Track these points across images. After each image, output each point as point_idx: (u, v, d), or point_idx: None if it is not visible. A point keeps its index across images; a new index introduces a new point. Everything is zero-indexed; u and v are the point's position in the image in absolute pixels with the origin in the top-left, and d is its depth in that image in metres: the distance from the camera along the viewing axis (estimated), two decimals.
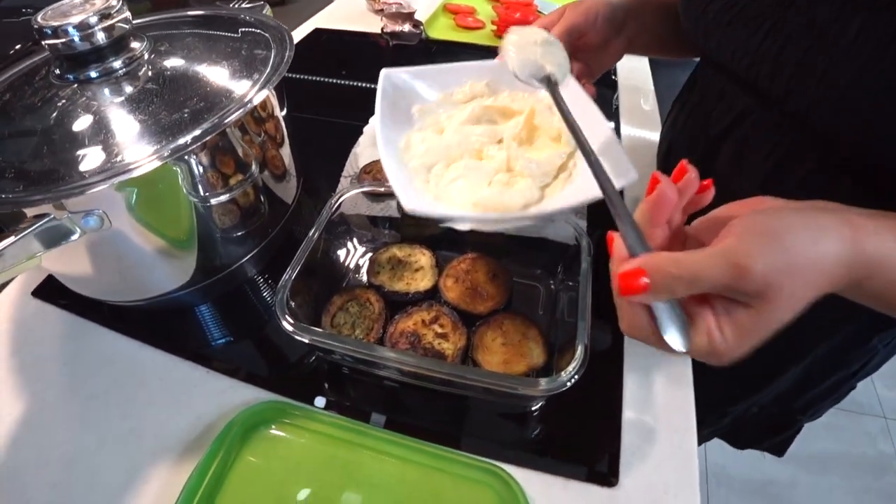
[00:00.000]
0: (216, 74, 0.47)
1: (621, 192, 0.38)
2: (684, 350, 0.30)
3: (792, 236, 0.29)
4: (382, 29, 1.00)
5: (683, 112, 0.64)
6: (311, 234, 0.50)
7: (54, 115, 0.43)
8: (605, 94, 0.88)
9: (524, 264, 0.57)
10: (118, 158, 0.40)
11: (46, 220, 0.39)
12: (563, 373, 0.40)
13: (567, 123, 0.41)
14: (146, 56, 0.47)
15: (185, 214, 0.46)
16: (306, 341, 0.43)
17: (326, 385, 0.50)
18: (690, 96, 0.63)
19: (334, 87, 0.91)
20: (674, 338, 0.31)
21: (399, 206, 0.59)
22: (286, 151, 0.55)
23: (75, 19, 0.43)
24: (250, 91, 0.45)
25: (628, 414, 0.48)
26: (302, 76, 0.90)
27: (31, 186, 0.39)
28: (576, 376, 0.40)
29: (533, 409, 0.48)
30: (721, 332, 0.30)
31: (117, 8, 0.45)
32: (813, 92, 0.42)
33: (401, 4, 1.04)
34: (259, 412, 0.46)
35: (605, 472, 0.45)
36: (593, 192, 0.39)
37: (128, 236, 0.44)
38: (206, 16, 0.57)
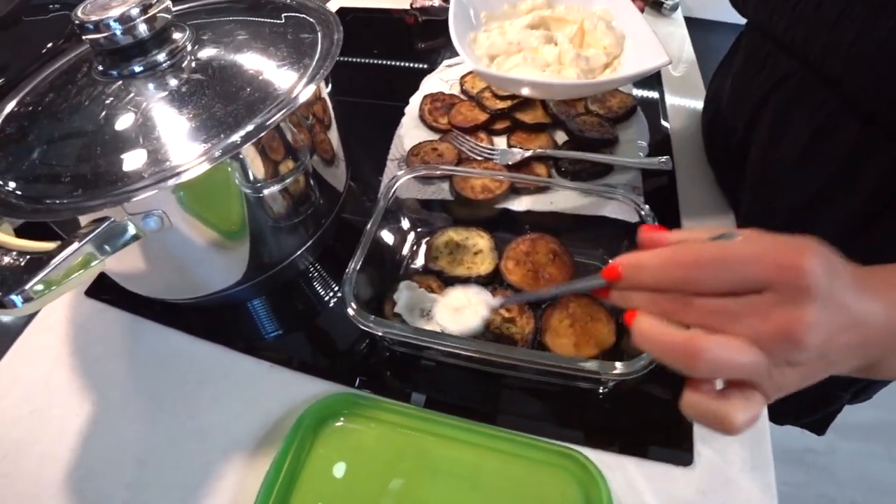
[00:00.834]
0: (265, 62, 0.45)
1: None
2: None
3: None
4: (411, 4, 0.97)
5: (727, 78, 0.62)
6: (370, 225, 0.49)
7: (103, 113, 0.42)
8: None
9: (584, 243, 0.55)
10: (174, 156, 0.38)
11: (107, 223, 0.38)
12: (642, 356, 0.39)
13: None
14: (189, 47, 0.45)
15: (240, 208, 0.45)
16: (379, 334, 0.42)
17: (388, 373, 0.50)
18: (734, 62, 0.61)
19: (368, 67, 0.88)
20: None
21: (451, 188, 0.58)
22: (334, 135, 0.53)
23: (116, 12, 0.41)
24: (304, 78, 0.43)
25: None
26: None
27: (89, 190, 0.38)
28: (654, 361, 0.39)
29: (601, 390, 0.47)
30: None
31: None
32: (846, 52, 0.40)
33: None
34: (328, 405, 0.46)
35: (679, 450, 0.44)
36: (649, 63, 0.56)
37: (186, 235, 0.43)
38: (245, 0, 0.55)
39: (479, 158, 0.63)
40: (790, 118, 0.49)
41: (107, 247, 0.38)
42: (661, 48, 0.58)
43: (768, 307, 0.24)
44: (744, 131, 0.57)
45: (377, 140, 0.70)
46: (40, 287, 0.34)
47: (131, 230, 0.39)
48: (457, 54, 0.61)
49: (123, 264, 0.47)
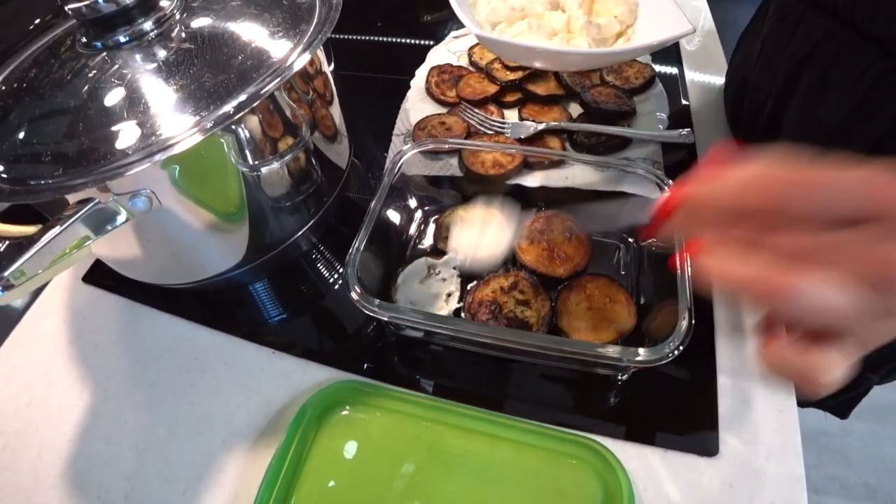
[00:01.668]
0: (259, 29, 0.42)
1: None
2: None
3: None
4: None
5: (756, 44, 0.58)
6: (374, 202, 0.46)
7: (86, 88, 0.39)
8: None
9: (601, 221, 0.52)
10: (162, 131, 0.36)
11: (92, 205, 0.35)
12: (667, 343, 0.36)
13: None
14: (178, 14, 0.42)
15: (237, 187, 0.42)
16: (385, 319, 0.40)
17: (396, 359, 0.47)
18: (762, 26, 0.58)
19: (372, 42, 0.84)
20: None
21: (461, 164, 0.55)
22: (336, 110, 0.50)
23: None
24: (300, 45, 0.40)
25: (723, 379, 0.44)
26: (335, 33, 0.84)
27: (71, 169, 0.36)
28: (681, 346, 0.36)
29: (621, 376, 0.44)
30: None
31: None
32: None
33: None
34: (332, 393, 0.44)
35: (704, 440, 0.41)
36: (669, 32, 0.50)
37: (179, 215, 0.41)
38: None
39: (490, 132, 0.60)
40: (833, 80, 0.46)
41: (93, 230, 0.36)
42: (682, 16, 0.54)
43: (875, 241, 0.20)
44: (776, 100, 0.53)
45: (382, 115, 0.66)
46: (21, 274, 0.32)
47: (118, 211, 0.37)
48: (464, 26, 0.57)
49: (115, 248, 0.45)
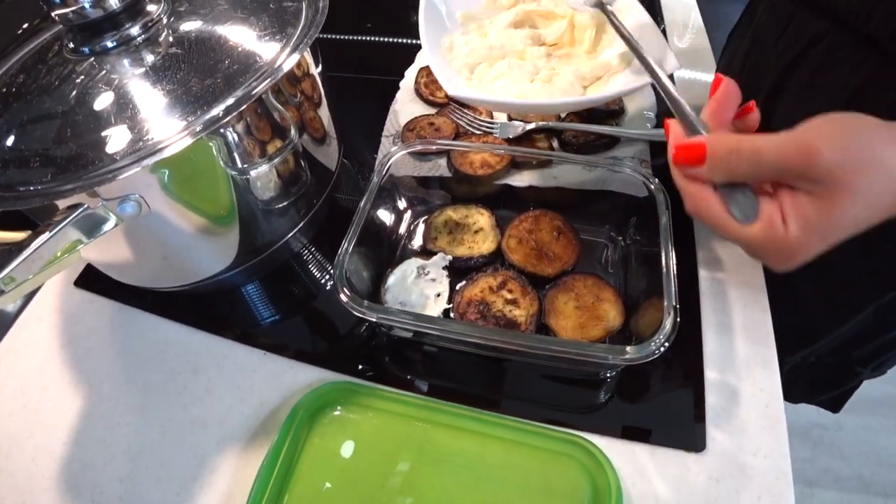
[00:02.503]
0: (246, 32, 0.42)
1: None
2: (747, 223, 0.29)
3: (872, 135, 0.27)
4: None
5: (744, 44, 0.59)
6: (363, 203, 0.46)
7: (74, 93, 0.39)
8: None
9: (589, 220, 0.53)
10: (150, 135, 0.36)
11: (80, 210, 0.36)
12: (653, 340, 0.37)
13: (622, 36, 0.46)
14: (165, 19, 0.43)
15: (226, 190, 0.43)
16: (373, 320, 0.40)
17: (387, 359, 0.48)
18: (750, 26, 0.58)
19: (361, 43, 0.84)
20: (737, 213, 0.29)
21: (449, 164, 0.55)
22: (325, 112, 0.50)
23: None
24: (287, 48, 0.41)
25: (710, 374, 0.45)
26: (324, 33, 0.84)
27: (60, 175, 0.36)
28: (667, 343, 0.37)
29: (609, 374, 0.45)
30: (784, 222, 0.27)
31: None
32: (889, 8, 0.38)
33: None
34: (324, 394, 0.44)
35: (691, 436, 0.42)
36: (642, 79, 0.47)
37: (170, 219, 0.41)
38: None
39: (479, 132, 0.60)
40: (824, 81, 0.46)
41: (82, 235, 0.36)
42: (669, 53, 0.49)
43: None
44: (767, 98, 0.53)
45: (371, 116, 0.67)
46: (11, 280, 0.32)
47: (107, 217, 0.37)
48: None
49: (106, 253, 0.45)
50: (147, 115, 0.37)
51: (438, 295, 0.48)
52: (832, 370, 0.70)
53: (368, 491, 0.40)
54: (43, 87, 0.41)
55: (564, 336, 0.44)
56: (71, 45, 0.42)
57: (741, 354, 0.46)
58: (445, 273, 0.49)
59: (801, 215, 0.27)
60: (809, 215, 0.26)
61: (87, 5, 0.39)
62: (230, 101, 0.37)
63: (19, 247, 0.33)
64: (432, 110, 0.65)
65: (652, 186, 0.45)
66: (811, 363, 0.69)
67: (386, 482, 0.41)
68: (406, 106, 0.65)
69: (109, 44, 0.41)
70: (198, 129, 0.36)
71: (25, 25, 0.56)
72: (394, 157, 0.49)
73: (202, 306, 0.53)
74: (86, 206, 0.35)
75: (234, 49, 0.41)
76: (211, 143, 0.39)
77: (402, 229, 0.54)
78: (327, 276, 0.54)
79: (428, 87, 0.67)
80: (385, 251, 0.52)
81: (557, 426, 0.42)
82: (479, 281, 0.47)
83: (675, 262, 0.41)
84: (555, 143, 0.60)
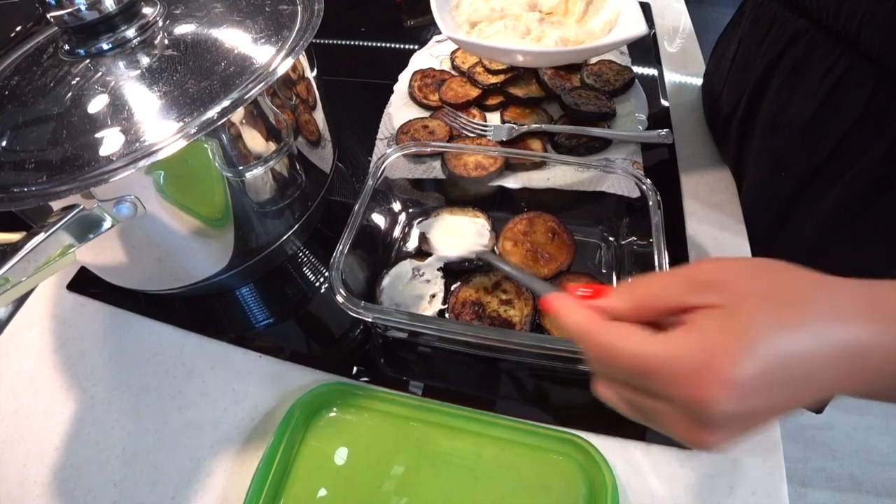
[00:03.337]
0: (241, 35, 0.42)
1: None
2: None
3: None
4: None
5: (732, 45, 0.60)
6: (357, 205, 0.46)
7: (69, 95, 0.39)
8: (645, 40, 0.81)
9: (582, 221, 0.53)
10: (146, 137, 0.36)
11: (76, 212, 0.36)
12: None
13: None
14: (160, 21, 0.43)
15: (221, 192, 0.43)
16: (370, 320, 0.40)
17: (382, 360, 0.48)
18: (738, 27, 0.59)
19: (356, 47, 0.85)
20: None
21: (444, 167, 0.55)
22: (319, 115, 0.50)
23: None
24: (282, 51, 0.41)
25: None
26: (319, 37, 0.84)
27: (55, 176, 0.36)
28: None
29: None
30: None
31: None
32: (864, 7, 0.39)
33: None
34: (319, 395, 0.44)
35: None
36: (632, 31, 0.54)
37: (165, 221, 0.41)
38: None
39: (472, 135, 0.61)
40: (801, 79, 0.47)
41: (77, 237, 0.36)
42: (639, 16, 0.58)
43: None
44: (751, 97, 0.54)
45: (366, 119, 0.67)
46: (5, 281, 0.32)
47: (102, 218, 0.37)
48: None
49: (100, 255, 0.45)
50: (143, 116, 0.37)
51: (433, 296, 0.48)
52: None
53: (365, 492, 0.40)
54: (38, 88, 0.41)
55: (559, 336, 0.44)
56: (66, 47, 0.42)
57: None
58: (440, 274, 0.49)
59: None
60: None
61: (83, 7, 0.39)
62: (225, 103, 0.37)
63: (14, 248, 0.33)
64: (426, 113, 0.66)
65: (644, 187, 0.46)
66: None
67: (382, 483, 0.41)
68: (400, 109, 0.66)
69: (105, 46, 0.41)
70: (193, 131, 0.36)
71: (19, 28, 0.55)
72: (388, 159, 0.50)
73: (197, 309, 0.53)
74: (81, 207, 0.35)
75: (229, 52, 0.41)
76: (206, 145, 0.39)
77: (397, 231, 0.55)
78: (322, 279, 0.54)
79: (422, 90, 0.68)
80: (380, 253, 0.53)
81: (552, 425, 0.42)
82: (474, 281, 0.47)
83: (667, 260, 0.41)
84: (548, 146, 0.61)
